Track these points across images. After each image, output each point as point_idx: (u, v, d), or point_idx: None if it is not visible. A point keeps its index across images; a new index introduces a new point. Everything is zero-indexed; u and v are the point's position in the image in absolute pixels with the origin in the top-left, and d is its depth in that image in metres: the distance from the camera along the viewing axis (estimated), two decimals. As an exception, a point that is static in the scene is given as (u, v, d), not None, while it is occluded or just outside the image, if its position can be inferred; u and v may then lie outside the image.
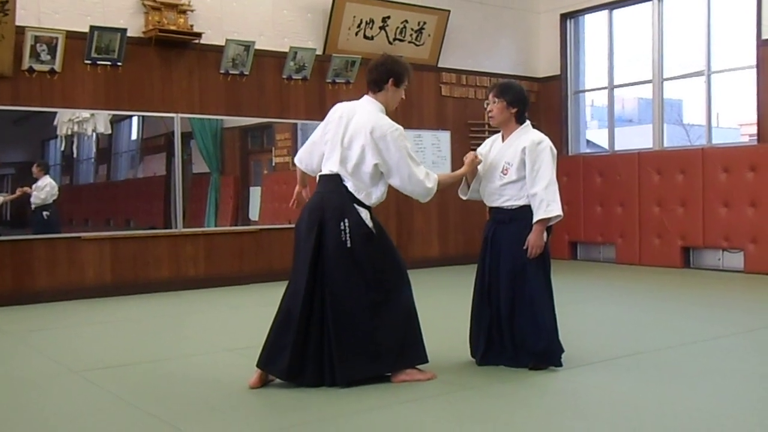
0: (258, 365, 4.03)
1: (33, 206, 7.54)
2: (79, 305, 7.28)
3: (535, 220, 4.22)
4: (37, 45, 7.39)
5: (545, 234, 4.31)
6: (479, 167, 4.45)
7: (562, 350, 4.32)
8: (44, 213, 7.56)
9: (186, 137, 8.30)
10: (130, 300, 7.55)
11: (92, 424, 3.52)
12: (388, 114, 4.15)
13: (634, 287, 8.03)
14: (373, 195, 4.07)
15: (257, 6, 8.83)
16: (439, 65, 10.25)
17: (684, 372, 4.29)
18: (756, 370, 4.35)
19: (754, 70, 8.96)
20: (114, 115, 7.91)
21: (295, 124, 8.97)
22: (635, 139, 11.84)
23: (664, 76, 10.05)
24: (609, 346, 4.99)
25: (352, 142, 4.00)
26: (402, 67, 4.19)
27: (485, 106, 4.48)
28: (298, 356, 3.92)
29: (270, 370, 4.00)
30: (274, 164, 8.93)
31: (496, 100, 4.36)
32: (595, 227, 10.51)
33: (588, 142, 11.81)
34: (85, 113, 7.74)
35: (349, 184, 4.02)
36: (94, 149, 7.88)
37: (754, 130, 9.30)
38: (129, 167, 8.16)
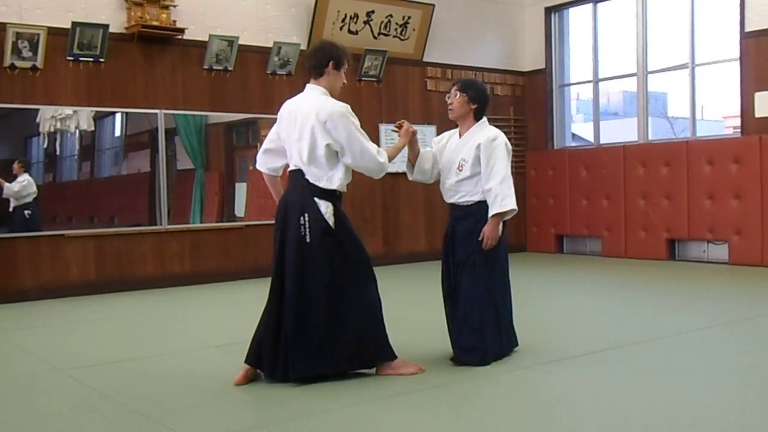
0: (246, 361, 4.03)
1: (13, 205, 7.46)
2: (64, 303, 7.23)
3: (490, 214, 4.23)
4: (19, 41, 7.32)
5: (501, 228, 4.32)
6: (440, 159, 4.48)
7: (496, 350, 4.31)
8: (26, 211, 7.49)
9: (170, 133, 8.25)
10: (115, 297, 7.50)
11: (78, 422, 3.49)
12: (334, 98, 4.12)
13: (620, 280, 8.06)
14: (335, 178, 4.02)
15: (240, 1, 8.78)
16: (424, 60, 10.23)
17: (668, 363, 4.31)
18: (739, 360, 4.37)
19: (738, 62, 9.00)
20: (97, 112, 7.85)
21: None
22: (620, 132, 11.87)
23: (649, 69, 10.08)
24: (593, 339, 5.01)
25: (303, 130, 3.99)
26: (340, 50, 4.18)
27: (447, 99, 4.48)
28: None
29: (257, 366, 4.02)
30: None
31: (458, 93, 4.38)
32: (581, 220, 10.54)
33: (573, 135, 11.84)
34: (68, 110, 7.68)
35: (309, 175, 4.00)
36: (77, 146, 7.83)
37: (737, 122, 9.35)
38: (113, 164, 8.11)
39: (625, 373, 4.10)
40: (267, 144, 4.29)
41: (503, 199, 4.21)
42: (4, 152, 7.51)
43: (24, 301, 7.28)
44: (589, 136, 11.47)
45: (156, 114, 8.17)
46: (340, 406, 3.60)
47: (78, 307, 7.00)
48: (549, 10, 11.03)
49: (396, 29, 9.83)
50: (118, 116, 8.03)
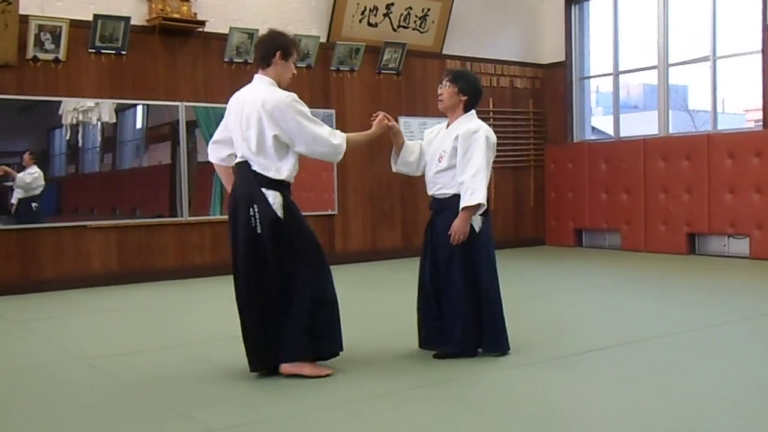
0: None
1: (20, 196, 7.46)
2: (86, 294, 7.31)
3: (461, 207, 4.17)
4: (41, 34, 7.39)
5: (480, 222, 4.26)
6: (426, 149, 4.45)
7: (493, 346, 4.29)
8: (33, 204, 7.52)
9: (191, 126, 8.31)
10: (136, 288, 7.58)
11: (99, 411, 3.54)
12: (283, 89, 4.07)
13: (639, 274, 8.04)
14: (284, 168, 3.96)
15: (261, -7, 8.82)
16: (444, 52, 10.21)
17: (687, 358, 4.30)
18: (759, 355, 4.35)
19: (760, 55, 8.91)
20: (118, 104, 7.92)
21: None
22: (640, 125, 11.77)
23: (670, 62, 10.01)
24: (611, 333, 5.01)
25: (249, 121, 3.93)
26: (288, 40, 4.12)
27: (438, 89, 4.43)
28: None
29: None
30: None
31: (448, 84, 4.33)
32: (601, 214, 10.50)
33: (593, 128, 11.77)
34: (90, 102, 7.74)
35: (256, 166, 3.93)
36: (99, 138, 7.89)
37: (759, 115, 9.26)
38: (134, 156, 8.17)
39: (643, 367, 4.10)
40: (216, 135, 4.25)
41: (472, 193, 4.12)
42: (27, 144, 7.58)
43: (46, 291, 7.37)
44: (609, 130, 11.40)
45: (177, 106, 8.23)
46: (361, 398, 3.63)
47: (100, 298, 7.08)
48: (569, 2, 10.97)
49: (415, 21, 9.82)
50: (139, 108, 8.08)
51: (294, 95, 3.99)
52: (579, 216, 10.76)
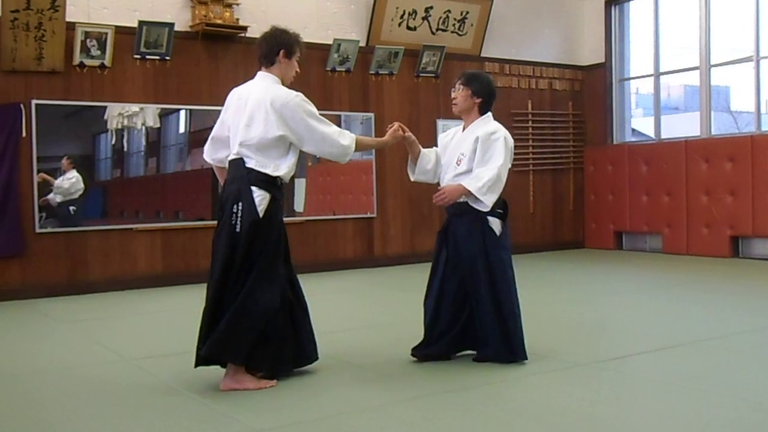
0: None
1: (59, 200, 7.55)
2: (131, 295, 7.45)
3: (465, 185, 4.11)
4: (87, 40, 7.55)
5: (500, 225, 4.22)
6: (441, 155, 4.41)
7: (513, 354, 4.20)
8: (71, 207, 7.62)
9: (232, 130, 8.39)
10: (180, 290, 7.69)
11: (144, 412, 3.61)
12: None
13: (682, 277, 7.95)
14: (282, 166, 3.92)
15: (301, -1, 8.91)
16: (482, 55, 10.21)
17: (734, 362, 4.26)
18: (808, 360, 4.30)
19: (806, 55, 8.78)
20: (162, 109, 8.06)
21: (339, 115, 9.02)
22: (681, 127, 11.65)
23: (712, 63, 9.89)
24: (653, 337, 4.97)
25: (253, 118, 3.87)
26: (291, 38, 4.08)
27: (451, 92, 4.39)
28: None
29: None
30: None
31: (462, 87, 4.29)
32: (641, 217, 10.41)
33: (633, 130, 11.68)
34: (135, 107, 7.89)
35: (252, 162, 3.87)
36: (143, 142, 8.03)
37: (804, 116, 9.12)
38: (177, 160, 8.30)
39: (683, 372, 4.07)
40: (213, 132, 4.19)
41: (484, 193, 4.07)
42: (74, 148, 7.73)
43: (94, 293, 7.53)
44: (649, 131, 11.30)
45: (219, 111, 8.29)
46: (393, 402, 3.66)
47: (145, 299, 7.21)
48: (609, 4, 10.90)
49: (454, 24, 9.84)
50: (182, 113, 8.22)
51: (302, 95, 3.96)
52: (619, 218, 10.67)
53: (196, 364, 3.97)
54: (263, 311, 3.85)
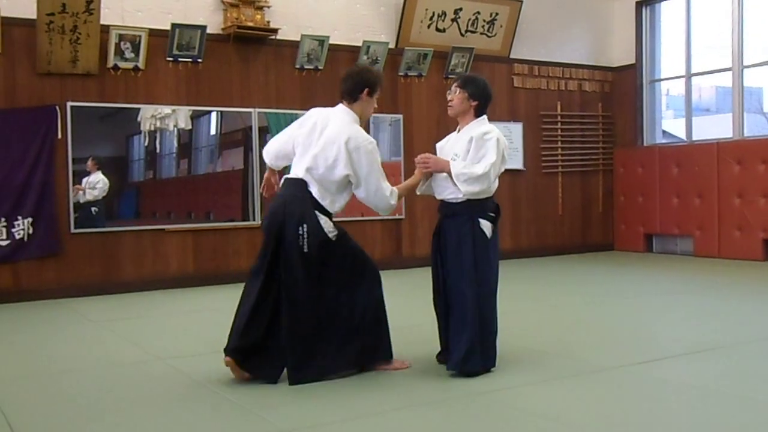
0: (232, 355, 4.06)
1: (81, 200, 7.60)
2: (164, 295, 7.55)
3: (451, 170, 4.08)
4: (121, 43, 7.65)
5: (489, 229, 4.17)
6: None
7: (486, 359, 4.11)
8: (92, 209, 7.67)
9: (263, 131, 8.48)
10: (211, 290, 7.77)
11: (174, 410, 3.67)
12: (360, 124, 4.16)
13: (714, 280, 7.88)
14: (337, 203, 4.09)
15: (331, 1, 8.95)
16: (511, 56, 10.20)
17: (765, 366, 4.23)
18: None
19: (841, 56, 8.66)
20: (194, 111, 8.14)
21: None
22: (712, 128, 11.53)
23: (745, 64, 9.79)
24: (684, 340, 4.94)
25: (326, 150, 3.99)
26: (375, 77, 4.20)
27: (448, 94, 4.36)
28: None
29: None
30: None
31: (458, 90, 4.26)
32: (672, 219, 10.33)
33: (663, 132, 11.59)
34: (167, 109, 7.98)
35: (314, 190, 4.03)
36: (175, 144, 8.12)
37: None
38: (208, 161, 8.38)
39: (714, 375, 4.06)
40: (279, 142, 4.32)
41: (463, 181, 4.05)
42: (108, 149, 7.85)
43: (127, 293, 7.63)
44: (680, 133, 11.20)
45: (250, 112, 8.42)
46: (410, 405, 3.68)
47: (177, 299, 7.29)
48: (640, 4, 10.83)
49: (483, 26, 9.83)
50: (213, 115, 8.30)
51: (375, 142, 4.10)
52: (649, 221, 10.60)
53: (294, 383, 3.97)
54: (377, 303, 4.17)
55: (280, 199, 4.13)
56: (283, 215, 4.03)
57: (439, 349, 4.36)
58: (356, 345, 4.09)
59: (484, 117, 4.31)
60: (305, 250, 3.96)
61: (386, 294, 4.30)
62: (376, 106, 4.30)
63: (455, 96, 4.29)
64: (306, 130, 4.15)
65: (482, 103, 4.28)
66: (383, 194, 4.09)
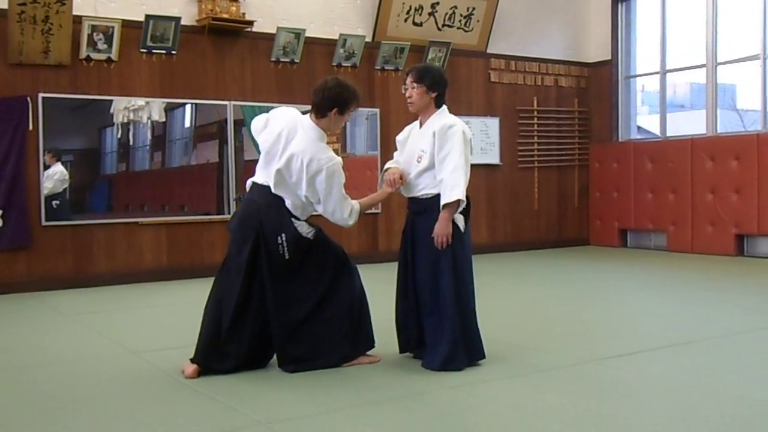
0: (194, 360, 4.09)
1: (43, 195, 7.45)
2: (137, 288, 7.47)
3: (441, 205, 3.99)
4: (94, 34, 7.56)
5: (462, 222, 4.11)
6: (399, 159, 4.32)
7: (474, 352, 4.10)
8: (53, 202, 7.52)
9: (238, 124, 8.42)
10: (185, 284, 7.71)
11: (148, 404, 3.63)
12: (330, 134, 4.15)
13: (687, 275, 7.95)
14: (307, 211, 4.12)
15: (307, -7, 8.91)
16: (488, 51, 10.21)
17: (732, 361, 4.27)
18: (814, 358, 4.30)
19: (813, 53, 8.76)
20: (168, 103, 8.06)
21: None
22: (687, 125, 11.63)
23: (718, 61, 9.88)
24: (656, 335, 4.98)
25: (290, 166, 3.95)
26: (349, 97, 4.05)
27: (403, 90, 4.21)
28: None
29: (216, 369, 4.05)
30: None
31: (416, 85, 4.11)
32: (646, 214, 10.40)
33: (638, 128, 11.66)
34: (141, 101, 7.90)
35: (288, 202, 4.04)
36: (149, 136, 8.04)
37: (811, 115, 9.10)
38: (183, 154, 8.31)
39: (687, 370, 4.08)
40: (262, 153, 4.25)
41: (452, 189, 3.94)
42: (80, 142, 7.76)
43: (100, 286, 7.55)
44: (655, 129, 11.28)
45: (225, 105, 8.35)
46: (371, 402, 3.67)
47: (150, 293, 7.23)
48: (616, 1, 10.88)
49: (460, 20, 9.83)
50: (188, 107, 8.22)
51: (338, 162, 3.99)
52: (624, 216, 10.67)
53: (291, 370, 4.06)
54: (359, 296, 4.20)
55: (252, 205, 4.08)
56: (258, 223, 4.00)
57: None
58: (349, 336, 4.14)
59: (445, 108, 4.21)
60: (286, 257, 4.00)
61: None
62: (347, 120, 4.20)
63: (414, 92, 4.14)
64: (272, 137, 4.05)
65: (441, 93, 4.17)
66: (341, 216, 4.06)
